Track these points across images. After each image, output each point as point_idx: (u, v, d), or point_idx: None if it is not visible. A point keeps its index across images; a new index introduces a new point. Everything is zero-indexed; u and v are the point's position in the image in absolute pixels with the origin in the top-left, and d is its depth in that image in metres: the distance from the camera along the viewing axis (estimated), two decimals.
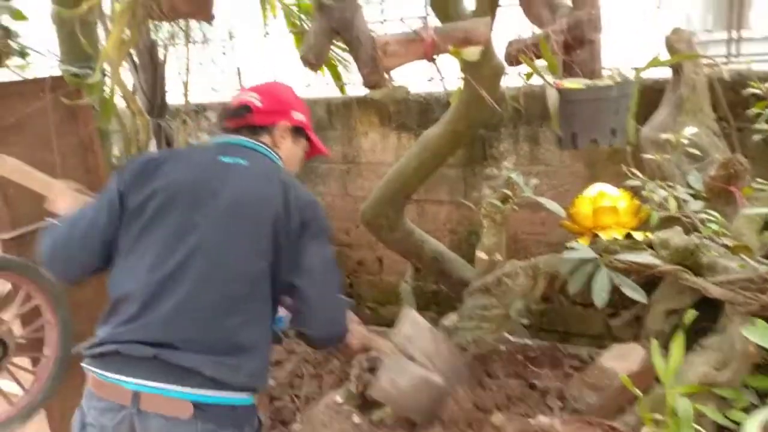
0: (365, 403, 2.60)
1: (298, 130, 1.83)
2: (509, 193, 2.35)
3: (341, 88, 3.20)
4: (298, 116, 1.82)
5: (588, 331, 3.23)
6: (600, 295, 2.08)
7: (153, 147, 4.04)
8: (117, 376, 1.49)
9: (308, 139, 1.88)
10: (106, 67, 2.64)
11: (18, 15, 2.51)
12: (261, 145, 1.74)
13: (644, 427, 1.87)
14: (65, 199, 2.02)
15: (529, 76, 1.97)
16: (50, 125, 2.81)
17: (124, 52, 2.38)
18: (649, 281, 2.54)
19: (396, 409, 2.04)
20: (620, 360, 2.16)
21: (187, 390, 1.46)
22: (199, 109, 4.00)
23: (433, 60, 2.09)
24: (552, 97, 1.72)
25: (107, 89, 2.88)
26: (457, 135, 2.69)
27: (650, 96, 2.68)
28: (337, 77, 3.09)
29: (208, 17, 2.18)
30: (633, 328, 2.66)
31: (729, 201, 2.28)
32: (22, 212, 2.75)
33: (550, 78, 1.81)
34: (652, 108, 2.61)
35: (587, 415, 2.18)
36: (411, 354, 2.07)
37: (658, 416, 1.87)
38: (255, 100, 1.77)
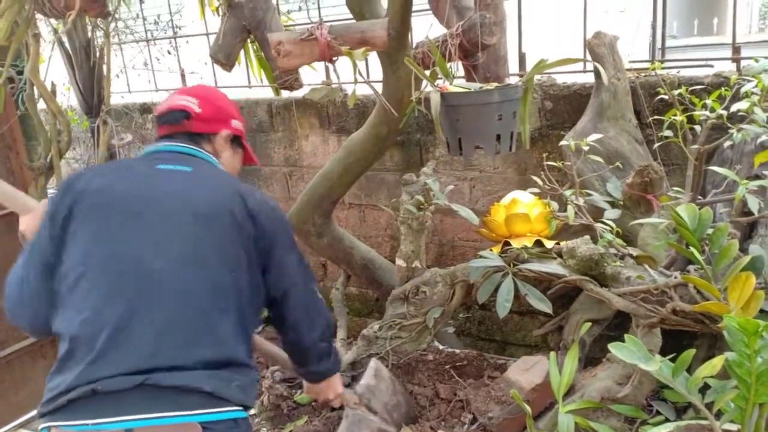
0: (277, 415, 2.53)
1: (236, 139, 1.75)
2: (422, 199, 2.28)
3: (275, 90, 3.12)
4: (237, 125, 1.75)
5: (524, 340, 3.16)
6: (503, 305, 2.02)
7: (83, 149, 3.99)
8: (98, 421, 1.29)
9: (243, 147, 1.81)
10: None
11: None
12: (202, 151, 1.64)
13: None
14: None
15: (433, 77, 1.90)
16: None
17: (15, 46, 2.30)
18: (575, 290, 2.48)
19: None
20: (525, 372, 2.09)
21: (190, 412, 1.32)
22: (143, 109, 3.92)
23: (332, 61, 2.02)
24: (435, 101, 1.65)
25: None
26: (380, 139, 2.62)
27: (581, 102, 2.62)
28: (271, 79, 3.01)
29: (102, 13, 2.10)
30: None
31: (648, 209, 2.22)
32: None
33: (438, 82, 1.75)
34: (580, 115, 2.55)
35: (490, 430, 2.11)
36: (373, 407, 2.16)
37: None
38: (193, 105, 1.64)
